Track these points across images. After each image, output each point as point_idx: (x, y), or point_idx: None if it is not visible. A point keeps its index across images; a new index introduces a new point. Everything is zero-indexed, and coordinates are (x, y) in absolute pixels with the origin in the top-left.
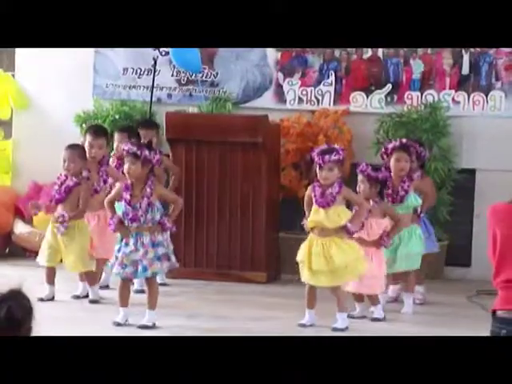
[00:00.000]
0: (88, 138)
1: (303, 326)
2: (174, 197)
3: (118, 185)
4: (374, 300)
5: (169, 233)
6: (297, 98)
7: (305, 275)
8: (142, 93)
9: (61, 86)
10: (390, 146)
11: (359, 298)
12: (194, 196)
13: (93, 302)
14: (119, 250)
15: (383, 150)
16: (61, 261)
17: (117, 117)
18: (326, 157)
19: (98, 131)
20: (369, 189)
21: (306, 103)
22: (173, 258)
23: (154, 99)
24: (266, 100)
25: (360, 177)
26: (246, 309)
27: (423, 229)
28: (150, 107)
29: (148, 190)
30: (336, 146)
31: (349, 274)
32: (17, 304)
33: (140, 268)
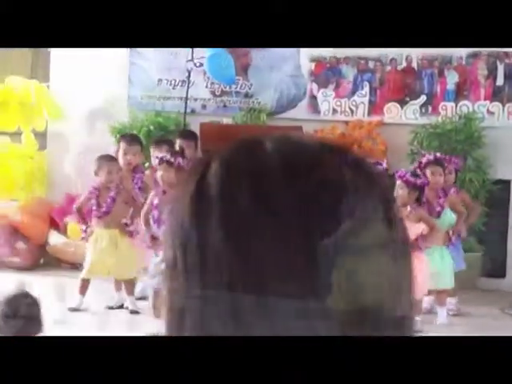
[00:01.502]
0: (122, 145)
1: None
2: None
3: (150, 195)
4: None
5: None
6: (331, 108)
7: None
8: (177, 104)
9: (96, 96)
10: (424, 159)
11: None
12: None
13: (133, 312)
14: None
15: (417, 164)
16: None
17: (151, 128)
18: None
19: (132, 138)
20: (407, 194)
21: (340, 114)
22: None
23: (188, 110)
24: (300, 111)
25: (398, 182)
26: None
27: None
28: (184, 118)
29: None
30: (371, 158)
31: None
32: (32, 301)
33: None
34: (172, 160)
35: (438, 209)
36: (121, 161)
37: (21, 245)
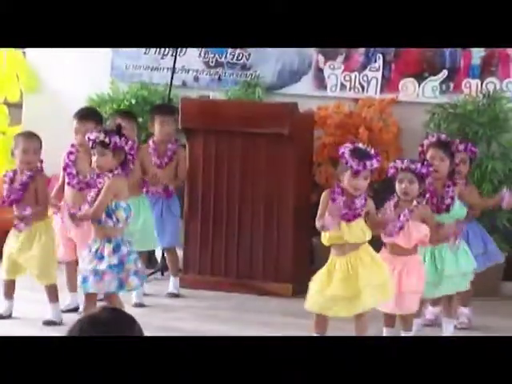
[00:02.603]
0: (74, 122)
1: None
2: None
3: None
4: (407, 323)
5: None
6: (339, 83)
7: (317, 304)
8: (165, 75)
9: (76, 67)
10: (426, 141)
11: (390, 321)
12: (212, 194)
13: (48, 323)
14: None
15: (420, 146)
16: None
17: (133, 101)
18: (368, 163)
19: (84, 114)
20: (418, 189)
21: (349, 90)
22: (107, 278)
23: (178, 83)
24: (304, 86)
25: (406, 175)
26: (255, 330)
27: (479, 242)
28: (170, 91)
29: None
30: (368, 147)
31: (371, 300)
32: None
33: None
34: (107, 140)
35: (448, 201)
36: (75, 140)
37: None
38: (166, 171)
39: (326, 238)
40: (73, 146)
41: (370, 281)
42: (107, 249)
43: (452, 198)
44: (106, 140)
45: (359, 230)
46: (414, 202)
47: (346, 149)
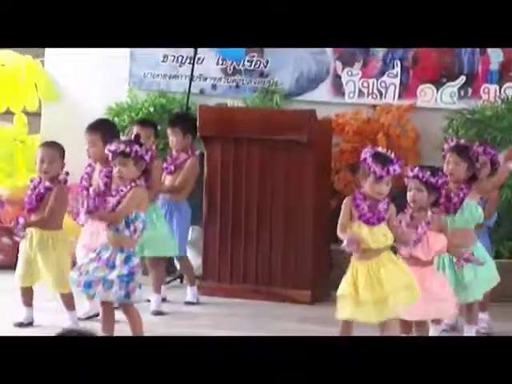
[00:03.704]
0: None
1: None
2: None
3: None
4: (421, 330)
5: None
6: (357, 90)
7: (348, 311)
8: (183, 83)
9: (95, 75)
10: (446, 146)
11: (406, 328)
12: (230, 202)
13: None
14: None
15: (442, 151)
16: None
17: (151, 109)
18: (391, 169)
19: (91, 127)
20: (427, 198)
21: (367, 97)
22: (114, 289)
23: (196, 90)
24: (322, 92)
25: (414, 184)
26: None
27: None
28: (188, 99)
29: (123, 188)
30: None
31: (401, 303)
32: None
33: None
34: (128, 150)
35: (455, 200)
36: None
37: (5, 240)
38: (173, 179)
39: None
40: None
41: (395, 283)
42: (119, 258)
43: (460, 200)
44: (127, 150)
45: (381, 236)
46: (429, 213)
47: (367, 154)
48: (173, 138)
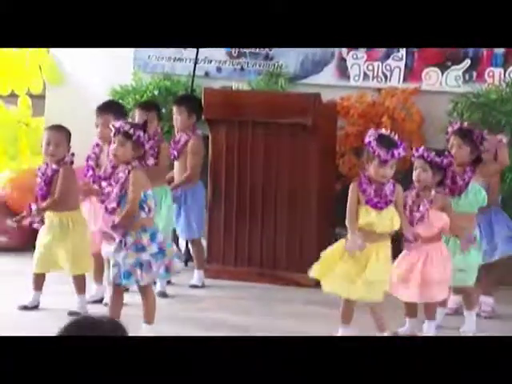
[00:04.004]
0: (95, 116)
1: None
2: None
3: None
4: (430, 312)
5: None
6: (362, 73)
7: (320, 272)
8: (188, 66)
9: (99, 58)
10: (450, 129)
11: (412, 311)
12: (235, 185)
13: (73, 314)
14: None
15: (446, 134)
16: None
17: (156, 92)
18: (396, 152)
19: (101, 107)
20: (431, 178)
21: (372, 80)
22: (155, 268)
23: (201, 73)
24: (327, 76)
25: (419, 163)
26: (278, 321)
27: (505, 227)
28: (192, 81)
29: (121, 174)
30: (394, 135)
31: (365, 293)
32: None
33: (122, 272)
34: (131, 132)
35: (461, 183)
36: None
37: (10, 223)
38: (180, 164)
39: (361, 224)
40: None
41: (373, 276)
42: (145, 238)
43: (466, 182)
44: (131, 131)
45: (388, 220)
46: (433, 192)
47: (371, 137)
48: (177, 116)
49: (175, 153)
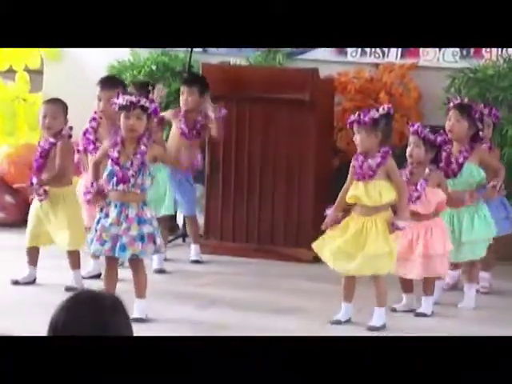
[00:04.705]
0: (97, 90)
1: (338, 322)
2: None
3: (104, 142)
4: (428, 287)
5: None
6: (359, 49)
7: (324, 248)
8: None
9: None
10: (450, 105)
11: (408, 287)
12: (233, 160)
13: (70, 289)
14: (98, 222)
15: (448, 110)
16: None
17: (153, 68)
18: (350, 118)
19: (107, 82)
20: (424, 154)
21: (370, 56)
22: (158, 241)
23: (199, 49)
24: (325, 51)
25: (413, 139)
26: (277, 296)
27: (499, 207)
28: (190, 57)
29: (143, 147)
30: (386, 105)
31: (375, 267)
32: None
33: (118, 245)
34: (147, 105)
35: (454, 166)
36: (96, 108)
37: (8, 199)
38: (192, 144)
39: (347, 198)
40: (95, 112)
41: (372, 250)
42: (147, 211)
43: (459, 164)
44: (147, 105)
45: (377, 193)
46: (427, 170)
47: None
48: (188, 97)
49: (193, 133)
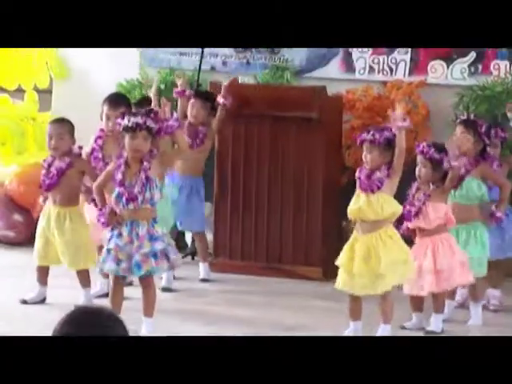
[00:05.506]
0: (105, 108)
1: None
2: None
3: (109, 166)
4: (438, 305)
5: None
6: (367, 66)
7: (342, 282)
8: (194, 60)
9: (106, 52)
10: (457, 120)
11: (418, 305)
12: (241, 178)
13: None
14: (109, 241)
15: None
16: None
17: (162, 87)
18: (363, 135)
19: (116, 100)
20: (431, 174)
21: (378, 73)
22: (172, 257)
23: (207, 67)
24: (332, 69)
25: (420, 159)
26: (286, 314)
27: (504, 229)
28: (198, 76)
29: (145, 163)
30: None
31: (396, 277)
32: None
33: (133, 263)
34: (152, 126)
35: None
36: (104, 126)
37: (17, 217)
38: (197, 153)
39: (348, 212)
40: (102, 130)
41: (392, 258)
42: (158, 228)
43: (460, 177)
44: (153, 126)
45: (378, 205)
46: (432, 186)
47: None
48: (200, 110)
49: (197, 142)
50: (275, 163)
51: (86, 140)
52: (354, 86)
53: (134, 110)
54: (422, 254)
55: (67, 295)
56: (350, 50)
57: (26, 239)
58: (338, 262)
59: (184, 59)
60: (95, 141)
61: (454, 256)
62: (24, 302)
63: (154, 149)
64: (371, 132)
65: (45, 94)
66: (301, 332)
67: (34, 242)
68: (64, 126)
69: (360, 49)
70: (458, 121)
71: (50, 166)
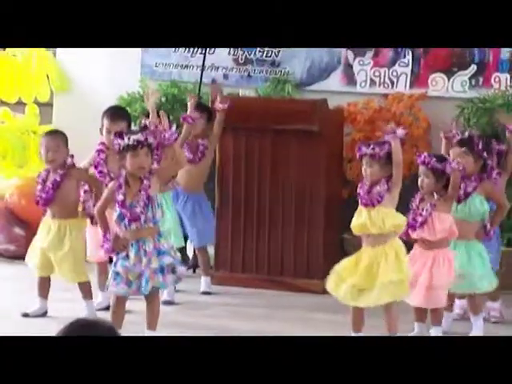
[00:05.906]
0: (105, 121)
1: None
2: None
3: (107, 189)
4: (436, 317)
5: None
6: (368, 79)
7: (330, 281)
8: (195, 73)
9: (106, 65)
10: (455, 139)
11: (421, 316)
12: (242, 191)
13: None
14: (116, 264)
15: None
16: None
17: (163, 99)
18: (363, 149)
19: (116, 113)
20: (434, 184)
21: (379, 86)
22: (178, 270)
23: (208, 80)
24: (333, 82)
25: (422, 169)
26: (287, 327)
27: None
28: (199, 88)
29: (145, 181)
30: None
31: (385, 296)
32: None
33: (143, 282)
34: (152, 142)
35: (461, 193)
36: (105, 140)
37: (18, 231)
38: (200, 167)
39: (352, 227)
40: (103, 144)
41: (387, 277)
42: (164, 242)
43: (467, 193)
44: (153, 142)
45: (379, 219)
46: (436, 197)
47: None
48: (205, 122)
49: (199, 155)
50: (276, 176)
51: (87, 153)
52: (355, 98)
53: (144, 120)
54: (421, 267)
55: (69, 308)
56: (351, 62)
57: (26, 252)
58: (338, 268)
59: (185, 72)
60: (98, 155)
61: (450, 275)
62: (25, 315)
63: (152, 165)
64: (371, 146)
65: (46, 107)
66: None
67: None
68: (58, 137)
69: (361, 61)
70: (454, 142)
71: (44, 181)
